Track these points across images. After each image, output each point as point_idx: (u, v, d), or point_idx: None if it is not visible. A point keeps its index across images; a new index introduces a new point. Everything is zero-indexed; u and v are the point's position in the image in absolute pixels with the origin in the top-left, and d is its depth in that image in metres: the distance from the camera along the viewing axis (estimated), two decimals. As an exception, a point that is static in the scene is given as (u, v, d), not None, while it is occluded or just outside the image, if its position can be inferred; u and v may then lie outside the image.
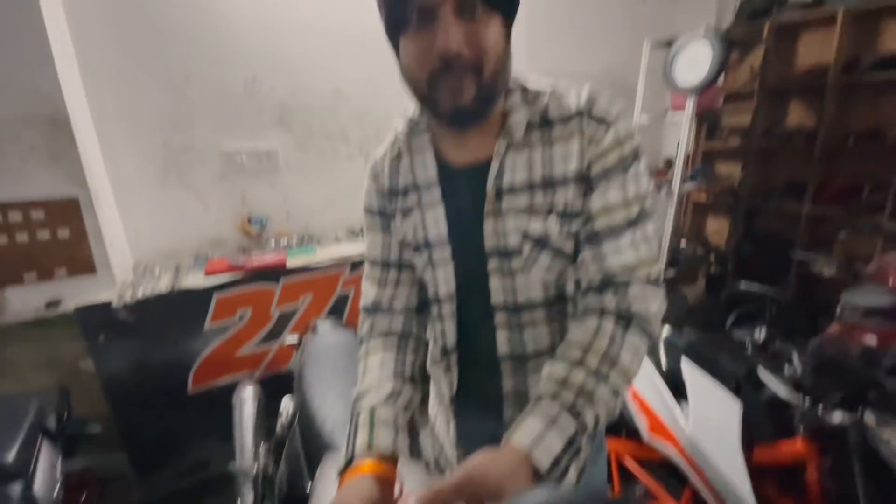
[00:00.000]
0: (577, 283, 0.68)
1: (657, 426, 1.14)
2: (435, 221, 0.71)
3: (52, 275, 1.65)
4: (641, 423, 1.19)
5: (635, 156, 0.64)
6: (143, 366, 1.74)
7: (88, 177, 1.65)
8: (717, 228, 3.61)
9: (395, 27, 0.59)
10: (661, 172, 2.96)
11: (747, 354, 1.19)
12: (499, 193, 0.65)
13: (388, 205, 0.77)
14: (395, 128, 0.75)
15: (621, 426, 1.28)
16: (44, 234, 1.61)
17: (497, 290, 0.69)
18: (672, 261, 2.78)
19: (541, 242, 0.65)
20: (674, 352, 1.18)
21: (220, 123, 2.06)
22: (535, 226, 0.64)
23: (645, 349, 0.61)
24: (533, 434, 0.52)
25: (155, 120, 1.94)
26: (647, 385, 1.20)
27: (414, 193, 0.72)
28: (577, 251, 0.66)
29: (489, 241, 0.67)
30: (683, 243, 3.25)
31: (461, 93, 0.58)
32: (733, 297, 2.33)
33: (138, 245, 2.01)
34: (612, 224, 0.62)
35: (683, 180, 2.59)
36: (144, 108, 1.91)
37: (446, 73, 0.57)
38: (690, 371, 1.08)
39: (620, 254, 0.62)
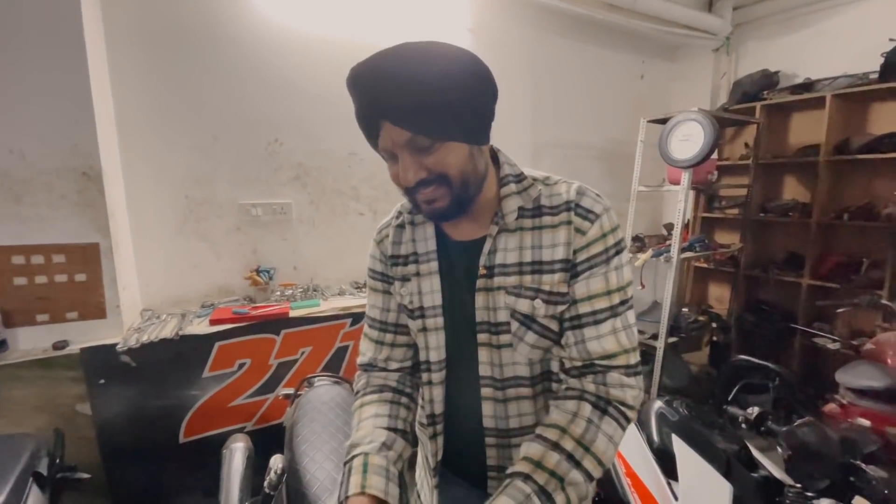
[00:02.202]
0: (561, 362, 0.72)
1: (649, 503, 1.12)
2: (431, 290, 0.76)
3: (65, 318, 1.71)
4: (635, 500, 1.17)
5: (618, 248, 0.69)
6: (138, 412, 1.75)
7: (111, 225, 1.75)
8: (719, 295, 3.63)
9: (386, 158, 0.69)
10: (662, 239, 3.03)
11: (740, 432, 1.19)
12: (490, 271, 0.71)
13: (389, 269, 0.83)
14: (402, 202, 0.83)
15: (614, 501, 1.26)
16: (62, 278, 1.69)
17: (485, 362, 0.73)
18: (673, 328, 2.78)
19: (527, 321, 0.70)
20: (666, 427, 1.18)
21: (240, 179, 2.20)
22: (523, 305, 0.69)
23: (620, 435, 0.64)
24: None
25: (180, 175, 2.08)
26: (640, 461, 1.19)
27: (414, 263, 0.78)
28: (561, 332, 0.71)
29: (480, 315, 0.72)
30: (685, 310, 3.25)
31: (435, 202, 0.66)
32: (734, 368, 2.31)
33: (149, 291, 2.08)
34: (594, 310, 0.67)
35: (682, 249, 2.64)
36: (172, 164, 2.05)
37: (416, 190, 0.65)
38: (682, 450, 1.08)
39: (601, 340, 0.66)
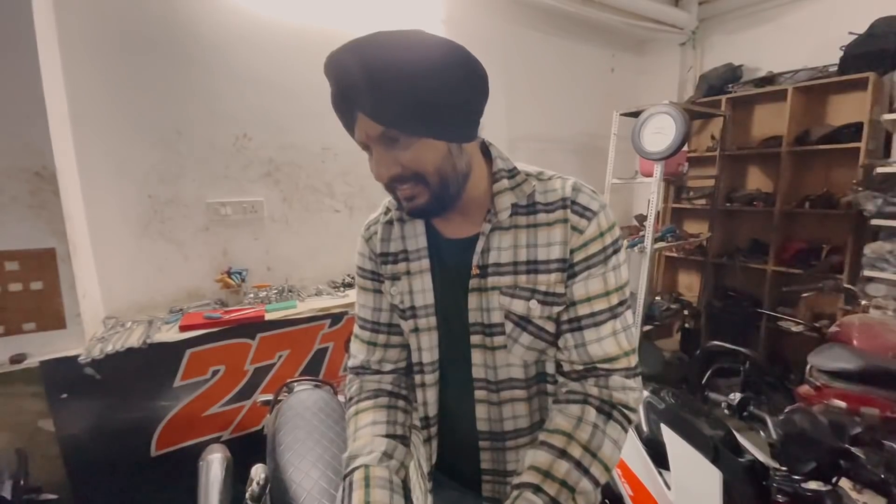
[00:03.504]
0: (558, 365, 0.70)
1: (641, 494, 1.13)
2: (422, 289, 0.73)
3: (21, 329, 1.59)
4: (625, 491, 1.18)
5: (616, 247, 0.68)
6: (105, 426, 1.65)
7: (68, 228, 1.63)
8: (689, 283, 3.74)
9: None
10: (634, 230, 3.09)
11: (724, 418, 1.22)
12: (484, 270, 0.68)
13: (379, 267, 0.79)
14: (389, 197, 0.79)
15: (604, 494, 1.27)
16: (16, 287, 1.56)
17: (479, 364, 0.71)
18: (648, 317, 2.85)
19: (522, 322, 0.68)
20: (654, 416, 1.20)
21: (207, 177, 2.10)
22: (518, 306, 0.67)
23: (624, 439, 0.63)
24: None
25: (142, 173, 1.96)
26: (631, 451, 1.20)
27: (404, 261, 0.75)
28: (557, 333, 0.69)
29: (473, 316, 0.70)
30: (658, 298, 3.34)
31: (414, 199, 0.64)
32: (708, 353, 2.39)
33: (112, 298, 1.97)
34: (593, 312, 0.66)
35: (655, 239, 2.70)
36: (133, 161, 1.93)
37: (393, 185, 0.64)
38: (671, 439, 1.10)
39: (602, 343, 0.65)
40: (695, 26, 3.40)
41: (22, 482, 1.26)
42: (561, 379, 0.69)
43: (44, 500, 1.28)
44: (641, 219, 3.37)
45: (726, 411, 1.20)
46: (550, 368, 0.71)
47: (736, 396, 1.16)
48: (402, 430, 0.75)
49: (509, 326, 0.68)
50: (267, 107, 2.17)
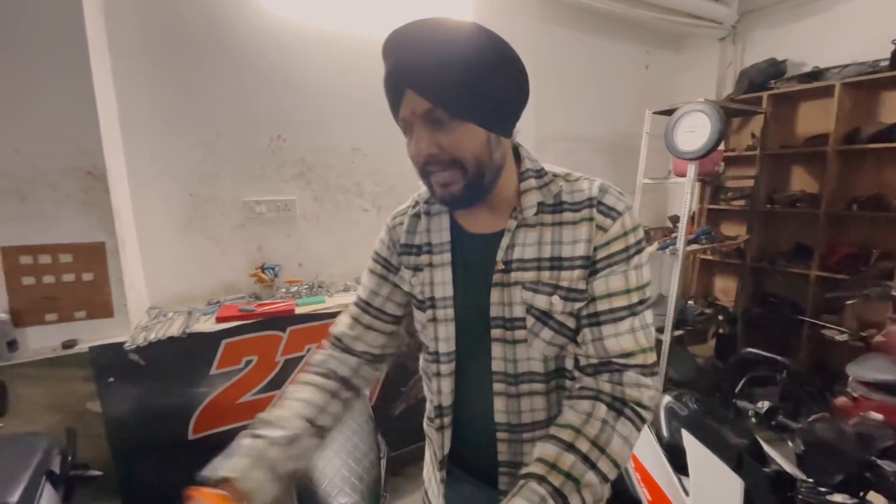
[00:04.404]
0: (577, 360, 0.71)
1: (659, 499, 1.12)
2: (442, 282, 0.76)
3: (73, 317, 1.72)
4: (644, 496, 1.17)
5: (639, 247, 0.69)
6: (147, 409, 1.76)
7: (117, 224, 1.75)
8: (725, 288, 3.61)
9: (405, 134, 0.69)
10: (667, 232, 3.01)
11: (750, 426, 1.18)
12: (508, 266, 0.70)
13: (394, 257, 0.83)
14: (419, 191, 0.83)
15: (624, 498, 1.26)
16: (69, 277, 1.69)
17: (498, 357, 0.72)
18: (679, 321, 2.77)
19: (544, 317, 0.69)
20: (675, 422, 1.17)
21: (244, 176, 2.19)
22: (541, 301, 0.68)
23: (636, 436, 0.63)
24: None
25: (184, 173, 2.07)
26: (650, 456, 1.19)
27: (427, 253, 0.78)
28: (578, 329, 0.70)
29: (495, 310, 0.71)
30: (691, 303, 3.24)
31: (448, 185, 0.66)
32: (742, 361, 2.30)
33: (155, 289, 2.09)
34: (612, 308, 0.66)
35: (688, 242, 2.62)
36: (176, 161, 2.05)
37: (429, 169, 0.66)
38: (692, 445, 1.08)
39: (619, 339, 0.66)
40: (735, 20, 3.26)
41: (70, 458, 1.36)
42: (577, 374, 0.70)
43: (89, 476, 1.38)
44: (675, 220, 3.28)
45: (753, 420, 1.17)
46: (570, 364, 0.72)
47: (764, 405, 1.13)
48: (327, 420, 0.76)
49: (531, 321, 0.69)
50: (300, 109, 2.25)
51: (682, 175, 2.57)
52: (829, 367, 2.84)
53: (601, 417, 0.62)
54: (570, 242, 0.68)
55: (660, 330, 2.69)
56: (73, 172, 1.66)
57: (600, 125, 3.33)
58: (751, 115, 3.20)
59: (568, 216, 0.69)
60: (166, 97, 1.98)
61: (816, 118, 2.92)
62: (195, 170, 2.09)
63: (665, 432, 1.17)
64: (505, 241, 0.71)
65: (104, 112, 1.72)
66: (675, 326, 2.67)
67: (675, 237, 2.62)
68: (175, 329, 1.81)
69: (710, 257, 3.55)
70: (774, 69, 3.07)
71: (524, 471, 0.61)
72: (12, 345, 1.61)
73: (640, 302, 0.67)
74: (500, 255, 0.71)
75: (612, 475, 0.61)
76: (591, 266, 0.68)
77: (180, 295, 2.14)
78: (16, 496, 1.03)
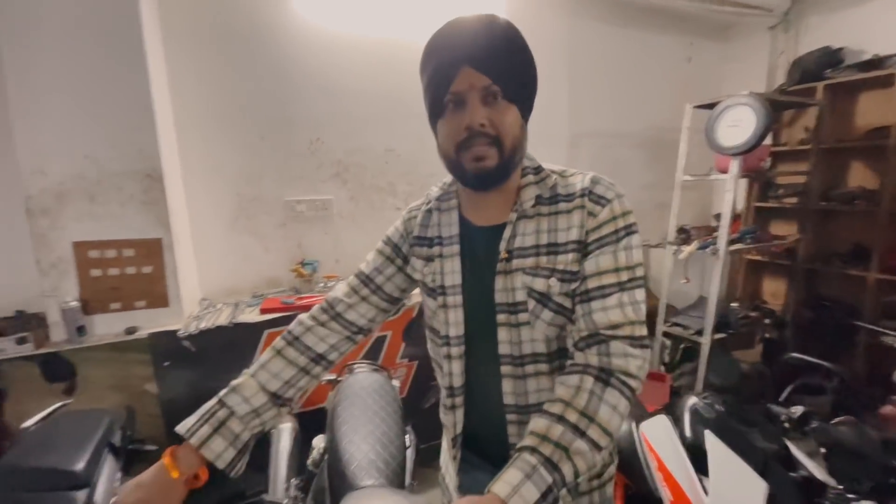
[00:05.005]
0: (571, 342, 0.74)
1: (681, 500, 1.11)
2: (452, 271, 0.81)
3: (134, 306, 1.89)
4: (666, 496, 1.16)
5: (629, 231, 0.72)
6: (198, 391, 1.90)
7: (172, 221, 1.91)
8: (775, 290, 3.42)
9: (435, 113, 0.75)
10: (710, 230, 2.89)
11: (781, 431, 1.14)
12: (510, 254, 0.76)
13: (404, 245, 0.90)
14: (431, 190, 0.91)
15: (647, 498, 1.25)
16: (131, 270, 1.86)
17: (504, 341, 0.77)
18: (722, 324, 2.67)
19: (543, 299, 0.74)
20: (700, 423, 1.15)
21: (286, 177, 2.32)
22: (539, 284, 0.73)
23: (625, 405, 0.66)
24: (512, 484, 0.58)
25: (232, 174, 2.23)
26: (672, 455, 1.18)
27: (438, 245, 0.84)
28: (567, 311, 0.74)
29: (499, 296, 0.76)
30: (735, 305, 3.10)
31: (483, 160, 0.71)
32: (787, 367, 2.19)
33: (206, 282, 2.25)
34: (601, 285, 0.70)
35: (731, 241, 2.52)
36: (224, 163, 2.20)
37: (471, 142, 0.71)
38: (714, 446, 1.06)
39: (607, 312, 0.69)
40: (787, 7, 3.09)
41: (129, 433, 1.50)
42: (570, 351, 0.73)
43: (146, 450, 1.52)
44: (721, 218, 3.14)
45: (786, 425, 1.13)
46: (570, 344, 0.75)
47: (798, 410, 1.09)
48: (292, 392, 0.83)
49: (532, 304, 0.74)
50: (336, 112, 2.35)
51: (725, 171, 2.47)
52: (888, 376, 2.65)
53: (588, 389, 0.65)
54: (564, 229, 0.74)
55: (699, 332, 2.60)
56: (135, 175, 1.83)
57: (638, 121, 3.24)
58: (804, 107, 3.02)
59: (562, 206, 0.75)
60: (215, 102, 2.13)
61: (876, 109, 2.72)
62: (242, 171, 2.24)
63: (688, 432, 1.16)
64: (507, 232, 0.76)
65: (161, 119, 1.88)
66: (717, 329, 2.57)
67: (717, 237, 2.53)
68: (223, 319, 1.95)
69: (758, 258, 3.38)
70: (830, 57, 2.89)
71: (518, 445, 0.64)
72: (81, 330, 1.80)
73: (630, 280, 0.71)
74: (503, 245, 0.76)
75: (602, 442, 0.63)
76: (583, 249, 0.73)
77: (228, 288, 2.30)
78: (82, 463, 1.16)
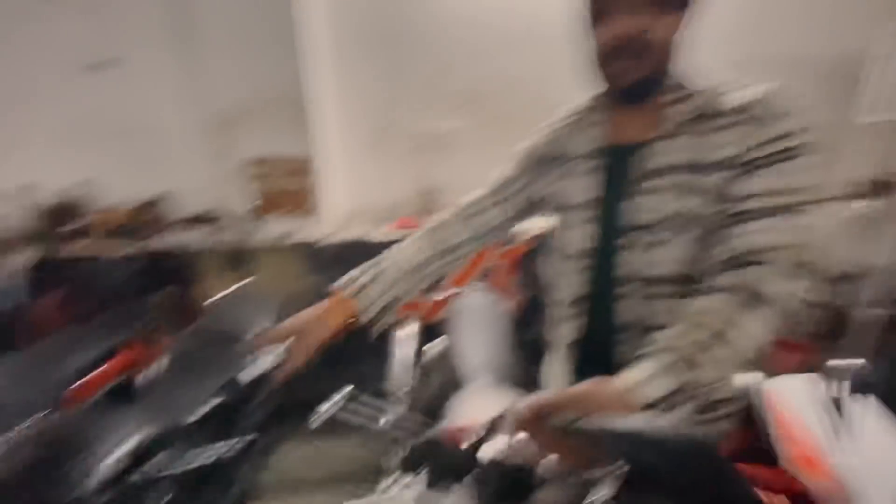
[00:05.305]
0: (713, 259, 0.70)
1: (804, 456, 1.05)
2: (585, 186, 0.80)
3: (288, 215, 2.23)
4: (783, 449, 1.10)
5: (805, 149, 0.64)
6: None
7: (321, 145, 2.16)
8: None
9: (593, 17, 0.72)
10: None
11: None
12: (647, 174, 0.73)
13: (539, 164, 0.89)
14: (563, 112, 0.89)
15: (759, 449, 1.19)
16: (289, 184, 2.18)
17: (631, 261, 0.75)
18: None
19: (679, 221, 0.71)
20: (862, 388, 1.03)
21: (418, 106, 2.44)
22: (676, 205, 0.70)
23: (767, 332, 0.61)
24: (646, 373, 0.57)
25: (372, 103, 2.40)
26: (799, 407, 1.09)
27: (574, 160, 0.83)
28: (715, 232, 0.69)
29: (631, 216, 0.74)
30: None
31: (633, 71, 0.69)
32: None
33: (348, 200, 2.52)
34: (765, 206, 0.64)
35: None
36: (365, 93, 2.38)
37: (623, 52, 0.68)
38: (877, 413, 0.95)
39: (767, 233, 0.63)
40: None
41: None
42: (713, 272, 0.68)
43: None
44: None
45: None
46: (703, 269, 0.71)
47: None
48: (430, 269, 0.91)
49: (670, 225, 0.71)
50: (466, 40, 2.35)
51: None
52: None
53: (732, 308, 0.61)
54: (713, 148, 0.68)
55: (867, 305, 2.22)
56: (288, 102, 2.09)
57: (829, 44, 2.63)
58: None
59: (717, 122, 0.69)
60: (359, 37, 2.28)
61: None
62: (380, 100, 2.40)
63: (826, 388, 1.06)
64: (649, 150, 0.73)
65: (315, 52, 2.08)
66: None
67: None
68: (358, 233, 2.22)
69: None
70: None
71: (641, 351, 0.62)
72: (248, 230, 2.19)
73: (803, 203, 0.64)
74: (643, 164, 0.73)
75: (737, 363, 0.61)
76: (739, 167, 0.66)
77: (366, 206, 2.53)
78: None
